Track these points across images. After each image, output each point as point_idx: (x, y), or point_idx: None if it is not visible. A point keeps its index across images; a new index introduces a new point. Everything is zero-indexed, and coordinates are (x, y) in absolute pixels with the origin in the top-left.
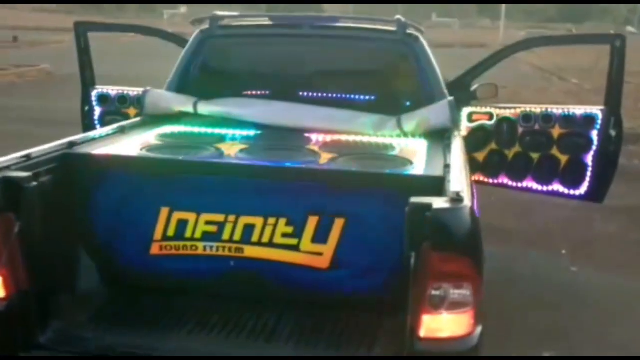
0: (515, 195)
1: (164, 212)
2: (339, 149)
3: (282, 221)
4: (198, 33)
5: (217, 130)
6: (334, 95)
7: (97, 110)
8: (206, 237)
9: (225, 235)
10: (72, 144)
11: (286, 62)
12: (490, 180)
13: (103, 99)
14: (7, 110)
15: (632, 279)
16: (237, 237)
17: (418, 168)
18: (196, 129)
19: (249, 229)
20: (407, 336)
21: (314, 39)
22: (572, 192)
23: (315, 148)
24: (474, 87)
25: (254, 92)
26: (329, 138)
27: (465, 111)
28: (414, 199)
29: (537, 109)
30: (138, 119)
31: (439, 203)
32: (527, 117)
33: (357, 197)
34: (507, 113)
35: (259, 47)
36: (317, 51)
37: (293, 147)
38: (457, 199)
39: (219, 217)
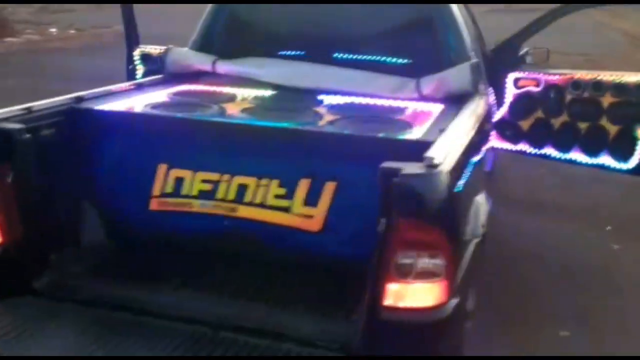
0: (567, 168)
1: (162, 168)
2: (346, 111)
3: (275, 182)
4: None
5: (230, 90)
6: (356, 56)
7: (141, 69)
8: (202, 195)
9: (220, 194)
10: (79, 99)
11: (309, 21)
12: (535, 151)
13: (146, 57)
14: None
15: None
16: (230, 196)
17: (414, 132)
18: (210, 88)
19: (242, 189)
20: (371, 303)
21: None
22: (620, 165)
23: (323, 109)
24: (522, 51)
25: (275, 52)
26: (341, 99)
27: (511, 76)
28: (385, 164)
29: (587, 75)
30: (159, 76)
31: (410, 168)
32: (576, 84)
33: (346, 161)
34: (555, 79)
35: (281, 6)
36: (341, 11)
37: (298, 108)
38: (430, 164)
39: (214, 176)
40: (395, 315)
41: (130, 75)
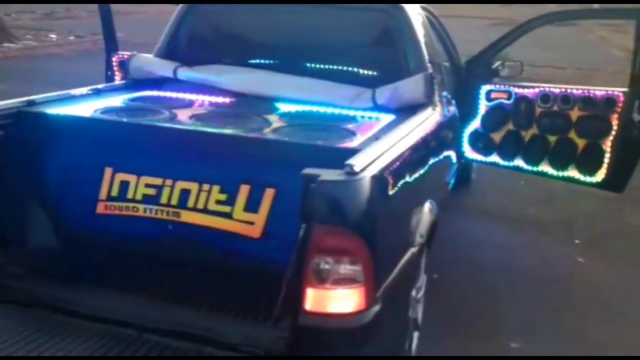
0: (546, 181)
1: (108, 172)
2: (295, 119)
3: (216, 188)
4: None
5: (187, 96)
6: (315, 65)
7: (118, 75)
8: (146, 199)
9: (164, 199)
10: (31, 102)
11: (269, 30)
12: (506, 163)
13: (123, 64)
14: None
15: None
16: (174, 201)
17: (353, 140)
18: (169, 94)
19: (185, 194)
20: (293, 308)
21: (299, 8)
22: (588, 179)
23: (274, 117)
24: (495, 64)
25: (237, 60)
26: (295, 108)
27: (484, 89)
28: (306, 170)
29: (556, 88)
30: (121, 82)
31: (328, 175)
32: (545, 97)
33: (282, 168)
34: (526, 92)
35: (244, 15)
36: (301, 20)
37: (249, 115)
38: (350, 171)
39: (157, 181)
40: (314, 321)
41: (109, 81)
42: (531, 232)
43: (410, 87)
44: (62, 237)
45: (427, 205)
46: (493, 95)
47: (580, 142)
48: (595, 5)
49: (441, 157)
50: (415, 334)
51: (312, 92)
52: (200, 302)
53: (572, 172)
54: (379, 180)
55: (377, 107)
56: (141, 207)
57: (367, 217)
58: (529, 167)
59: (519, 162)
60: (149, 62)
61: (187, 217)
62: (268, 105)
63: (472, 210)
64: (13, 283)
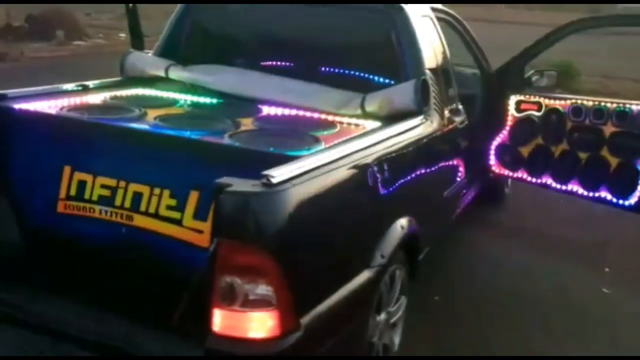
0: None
1: (67, 170)
2: (269, 124)
3: (166, 192)
4: None
5: (171, 95)
6: (309, 67)
7: None
8: (102, 200)
9: (117, 201)
10: (2, 97)
11: (264, 31)
12: (533, 180)
13: None
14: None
15: None
16: (127, 204)
17: (311, 149)
18: (154, 93)
19: (137, 197)
20: (204, 328)
21: (295, 8)
22: (620, 201)
23: (248, 120)
24: (528, 73)
25: (228, 60)
26: (277, 111)
27: (513, 99)
28: (221, 179)
29: (589, 101)
30: (115, 79)
31: (240, 185)
32: (577, 110)
33: (230, 174)
34: (557, 104)
35: (240, 16)
36: (296, 21)
37: (220, 117)
38: (266, 182)
39: (112, 182)
40: (222, 344)
41: None
42: (559, 255)
43: (401, 94)
44: (26, 234)
45: (398, 223)
46: (523, 106)
47: (613, 161)
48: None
49: (430, 170)
50: None
51: (300, 96)
52: (134, 312)
53: (604, 193)
54: (303, 194)
55: (367, 114)
56: (97, 207)
57: (283, 233)
58: (558, 186)
59: (547, 179)
60: (143, 60)
61: (139, 221)
62: (250, 108)
63: (500, 228)
64: None
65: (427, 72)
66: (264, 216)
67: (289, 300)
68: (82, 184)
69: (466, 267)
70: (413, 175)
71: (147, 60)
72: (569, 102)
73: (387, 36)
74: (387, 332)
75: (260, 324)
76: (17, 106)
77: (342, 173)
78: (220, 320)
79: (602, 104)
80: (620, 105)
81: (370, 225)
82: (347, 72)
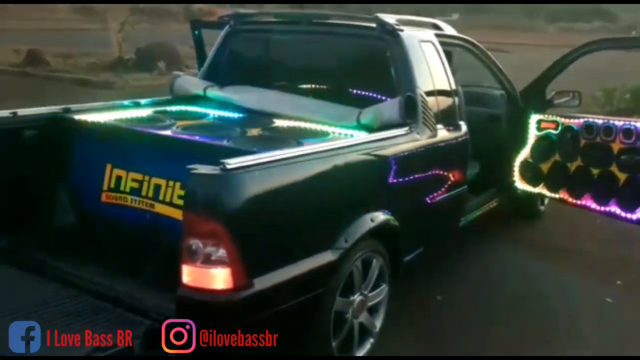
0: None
1: (109, 167)
2: (271, 132)
3: (178, 185)
4: (226, 28)
5: (205, 111)
6: (321, 87)
7: None
8: (132, 191)
9: (144, 192)
10: (67, 110)
11: (284, 55)
12: (552, 195)
13: None
14: None
15: None
16: (150, 194)
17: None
18: (191, 108)
19: (157, 188)
20: (178, 281)
21: (307, 35)
22: (628, 215)
23: (256, 130)
24: (551, 94)
25: (256, 81)
26: (286, 123)
27: (534, 118)
28: (193, 166)
29: (600, 119)
30: (166, 98)
31: (203, 169)
32: (589, 127)
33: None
34: (572, 122)
35: (264, 45)
36: (309, 47)
37: (232, 127)
38: (223, 167)
39: (139, 176)
40: (189, 293)
41: None
42: (577, 267)
43: (389, 108)
44: (78, 217)
45: (368, 216)
46: (543, 125)
47: (622, 176)
48: None
49: (414, 176)
50: (370, 341)
51: (307, 111)
52: (143, 276)
53: (614, 208)
54: (257, 179)
55: (361, 126)
56: (129, 197)
57: (236, 208)
58: (573, 200)
59: (563, 194)
60: (188, 82)
61: (159, 208)
62: (263, 120)
63: (526, 242)
64: (20, 246)
65: (418, 90)
66: (219, 194)
67: (241, 262)
68: (118, 179)
69: (478, 273)
70: (387, 177)
71: (191, 82)
72: (582, 120)
73: (384, 59)
74: (363, 313)
75: (217, 279)
76: (76, 117)
77: (302, 166)
78: (187, 274)
79: (611, 121)
80: (627, 122)
81: (331, 212)
82: (350, 90)
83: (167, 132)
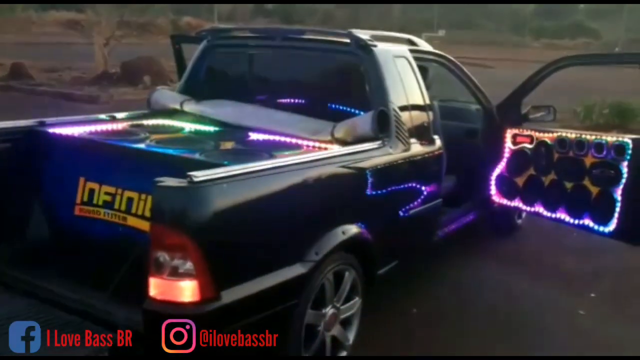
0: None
1: (82, 181)
2: (244, 145)
3: (150, 197)
4: (203, 42)
5: (181, 124)
6: (296, 101)
7: None
8: (105, 204)
9: (116, 205)
10: (41, 123)
11: (262, 70)
12: (527, 208)
13: None
14: None
15: None
16: (123, 207)
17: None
18: (168, 122)
19: (130, 201)
20: (144, 294)
21: (283, 50)
22: (601, 228)
23: (230, 143)
24: (527, 109)
25: (232, 95)
26: (261, 137)
27: (510, 132)
28: (160, 178)
29: (572, 134)
30: (142, 112)
31: (170, 182)
32: (562, 142)
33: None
34: (545, 137)
35: (241, 60)
36: (284, 60)
37: (205, 141)
38: (189, 180)
39: (112, 189)
40: (156, 306)
41: None
42: (551, 280)
43: (362, 122)
44: (52, 231)
45: (340, 229)
46: (518, 139)
47: (594, 190)
48: None
49: (385, 190)
50: (342, 353)
51: (282, 124)
52: (113, 289)
53: (587, 221)
54: (222, 190)
55: (335, 140)
56: (102, 210)
57: (203, 221)
58: (548, 214)
59: (539, 208)
60: (165, 96)
61: (132, 221)
62: (238, 134)
63: (501, 255)
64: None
65: (391, 105)
66: (186, 206)
67: (209, 274)
68: (91, 192)
69: (453, 286)
70: (359, 190)
71: (168, 96)
72: (555, 135)
73: (358, 73)
74: (335, 326)
75: (184, 291)
76: (50, 130)
77: (272, 179)
78: (154, 287)
79: (583, 136)
80: (598, 137)
81: (302, 225)
82: (325, 104)
83: (140, 145)
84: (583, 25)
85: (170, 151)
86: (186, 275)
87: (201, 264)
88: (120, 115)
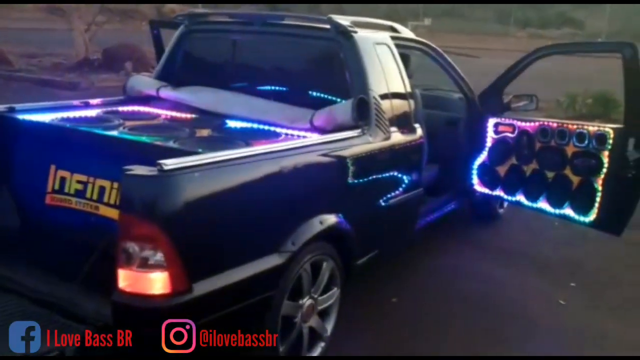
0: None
1: (52, 169)
2: (221, 133)
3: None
4: (180, 28)
5: (156, 111)
6: (276, 88)
7: None
8: (77, 193)
9: (88, 194)
10: (11, 109)
11: (240, 56)
12: (509, 198)
13: None
14: None
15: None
16: (95, 196)
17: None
18: (143, 109)
19: (102, 190)
20: (114, 286)
21: (262, 36)
22: (582, 218)
23: (206, 131)
24: (509, 98)
25: (210, 82)
26: (239, 125)
27: (491, 121)
28: (128, 167)
29: (554, 123)
30: (118, 98)
31: (138, 170)
32: (544, 131)
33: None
34: (527, 126)
35: (219, 45)
36: (263, 46)
37: (180, 128)
38: (159, 168)
39: (84, 178)
40: (126, 298)
41: None
42: (531, 269)
43: (342, 110)
44: (23, 221)
45: (317, 219)
46: (500, 128)
47: (575, 179)
48: None
49: (363, 179)
50: (320, 345)
51: (261, 112)
52: (82, 281)
53: (568, 211)
54: (194, 179)
55: (314, 128)
56: (73, 199)
57: (173, 211)
58: (529, 204)
59: (520, 197)
60: (141, 82)
61: (103, 210)
62: (217, 121)
63: (483, 244)
64: None
65: (371, 92)
66: (156, 195)
67: (180, 265)
68: (63, 180)
69: (433, 275)
70: (338, 180)
71: (144, 82)
72: (537, 124)
73: (338, 60)
74: (312, 317)
75: (154, 283)
76: (20, 116)
77: (247, 168)
78: (123, 279)
79: (565, 125)
80: (580, 127)
81: (278, 215)
82: (304, 91)
83: (113, 132)
84: (567, 15)
85: (143, 138)
86: (156, 266)
87: (172, 254)
88: (94, 101)
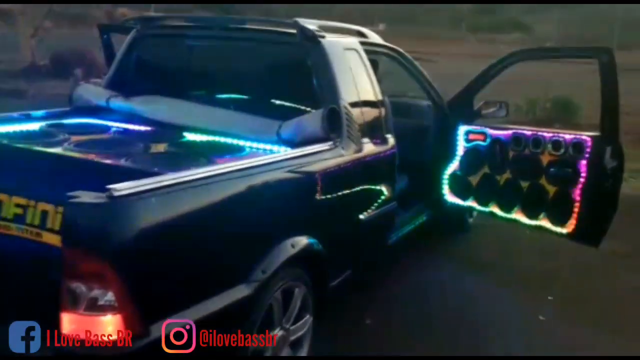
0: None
1: None
2: (178, 148)
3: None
4: (132, 32)
5: (106, 124)
6: (237, 97)
7: None
8: (16, 218)
9: (29, 219)
10: None
11: (198, 64)
12: (482, 208)
13: None
14: None
15: None
16: (37, 222)
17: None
18: (91, 121)
19: (44, 215)
20: (57, 332)
21: (222, 41)
22: (558, 229)
23: (162, 145)
24: (479, 105)
25: (166, 91)
26: (198, 138)
27: (462, 129)
28: (72, 193)
29: (528, 131)
30: (64, 109)
31: (84, 197)
32: (517, 139)
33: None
34: (500, 133)
35: (176, 51)
36: (223, 52)
37: (133, 143)
38: (108, 195)
39: (24, 201)
40: (70, 346)
41: None
42: (507, 283)
43: (311, 121)
44: None
45: (288, 242)
46: (471, 136)
47: (551, 189)
48: None
49: (335, 195)
50: None
51: (223, 123)
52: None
53: (543, 222)
54: (149, 205)
55: (282, 140)
56: (13, 225)
57: (125, 243)
58: (503, 214)
59: (494, 208)
60: (89, 91)
61: (47, 238)
62: (174, 135)
63: (456, 257)
64: None
65: (342, 101)
66: (105, 226)
67: (134, 306)
68: (0, 204)
69: (407, 291)
70: (309, 197)
71: (92, 91)
72: (510, 131)
73: (306, 67)
74: (284, 348)
75: (104, 328)
76: None
77: (210, 189)
78: (68, 323)
79: (539, 133)
80: (556, 134)
81: (245, 241)
82: (270, 101)
83: (57, 149)
84: (517, 20)
85: (91, 156)
86: (107, 308)
87: (124, 294)
88: (35, 113)
